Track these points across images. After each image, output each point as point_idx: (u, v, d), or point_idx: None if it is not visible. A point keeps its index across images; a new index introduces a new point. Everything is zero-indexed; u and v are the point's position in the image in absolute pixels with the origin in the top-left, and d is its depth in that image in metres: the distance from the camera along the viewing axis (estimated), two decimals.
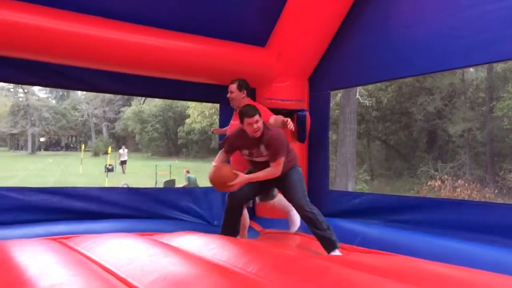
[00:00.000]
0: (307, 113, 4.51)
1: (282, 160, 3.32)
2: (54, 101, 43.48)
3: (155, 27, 4.08)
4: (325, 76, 4.82)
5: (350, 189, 12.62)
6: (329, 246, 3.30)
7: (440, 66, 3.83)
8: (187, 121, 28.56)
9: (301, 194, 3.42)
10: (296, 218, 3.95)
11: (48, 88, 41.85)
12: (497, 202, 12.24)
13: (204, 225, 4.53)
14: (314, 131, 4.67)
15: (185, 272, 2.11)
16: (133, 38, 3.92)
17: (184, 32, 4.23)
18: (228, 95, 3.93)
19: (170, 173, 17.39)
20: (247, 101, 3.90)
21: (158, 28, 4.10)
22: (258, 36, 4.67)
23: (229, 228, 3.58)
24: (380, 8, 4.25)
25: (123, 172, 21.92)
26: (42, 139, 40.06)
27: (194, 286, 1.91)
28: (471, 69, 18.09)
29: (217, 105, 5.38)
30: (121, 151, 23.52)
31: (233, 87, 3.91)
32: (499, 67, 16.33)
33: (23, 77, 4.17)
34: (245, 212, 3.92)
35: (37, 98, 39.04)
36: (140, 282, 2.00)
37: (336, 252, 3.29)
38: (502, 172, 15.27)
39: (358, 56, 4.48)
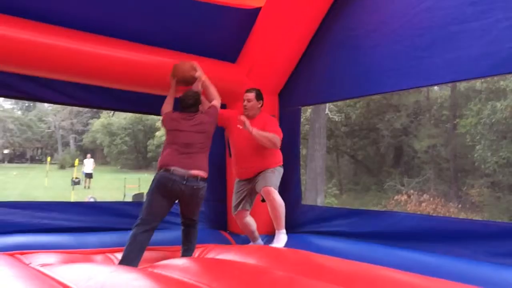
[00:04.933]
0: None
1: None
2: (19, 112, 42.23)
3: (124, 40, 4.04)
4: (295, 92, 4.84)
5: (319, 203, 12.72)
6: None
7: (407, 84, 3.89)
8: (157, 134, 28.27)
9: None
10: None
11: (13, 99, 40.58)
12: (459, 217, 12.60)
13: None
14: (285, 147, 4.66)
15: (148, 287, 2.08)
16: (101, 50, 3.85)
17: (154, 46, 4.20)
18: (245, 103, 4.04)
19: (139, 186, 17.09)
20: (260, 112, 4.12)
21: (127, 41, 4.06)
22: (229, 52, 4.67)
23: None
24: (349, 26, 4.31)
25: (86, 187, 19.72)
26: (6, 151, 38.72)
27: None
28: (436, 88, 18.74)
29: None
30: (85, 160, 20.84)
31: (251, 96, 4.04)
32: (462, 86, 16.97)
33: None
34: (248, 216, 4.11)
35: (1, 109, 37.86)
36: None
37: None
38: (465, 188, 15.78)
39: (328, 73, 4.51)
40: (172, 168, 3.43)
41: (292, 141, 4.79)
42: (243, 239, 4.46)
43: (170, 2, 4.08)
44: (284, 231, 3.91)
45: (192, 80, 3.88)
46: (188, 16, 4.25)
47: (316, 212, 4.71)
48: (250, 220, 4.15)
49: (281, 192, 4.39)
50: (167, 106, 3.84)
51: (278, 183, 3.98)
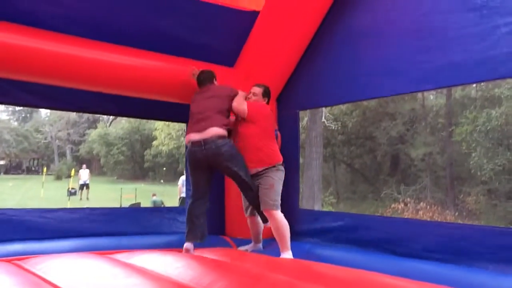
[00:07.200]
0: (278, 132, 4.52)
1: None
2: (16, 123, 42.02)
3: (122, 45, 4.05)
4: (293, 96, 4.85)
5: None
6: None
7: (405, 88, 3.93)
8: (154, 143, 28.20)
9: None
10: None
11: (10, 110, 40.54)
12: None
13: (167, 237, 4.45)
14: (285, 151, 4.66)
15: None
16: (100, 56, 3.87)
17: (153, 51, 4.21)
18: (250, 95, 4.06)
19: (136, 196, 17.00)
20: None
21: (125, 46, 4.07)
22: (227, 56, 4.68)
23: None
24: (348, 29, 4.33)
25: (81, 198, 19.51)
26: (1, 162, 38.46)
27: None
28: (431, 96, 18.86)
29: (184, 127, 5.35)
30: (81, 171, 20.47)
31: (258, 90, 4.06)
32: (457, 94, 17.09)
33: None
34: (258, 219, 4.05)
35: None
36: None
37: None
38: (462, 195, 15.80)
39: (326, 77, 4.53)
40: (190, 139, 3.69)
41: (292, 145, 4.79)
42: (245, 242, 4.43)
43: (168, 5, 4.11)
44: (289, 252, 3.74)
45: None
46: (185, 20, 4.28)
47: (313, 216, 4.73)
48: (257, 222, 4.12)
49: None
50: None
51: (280, 190, 3.86)
